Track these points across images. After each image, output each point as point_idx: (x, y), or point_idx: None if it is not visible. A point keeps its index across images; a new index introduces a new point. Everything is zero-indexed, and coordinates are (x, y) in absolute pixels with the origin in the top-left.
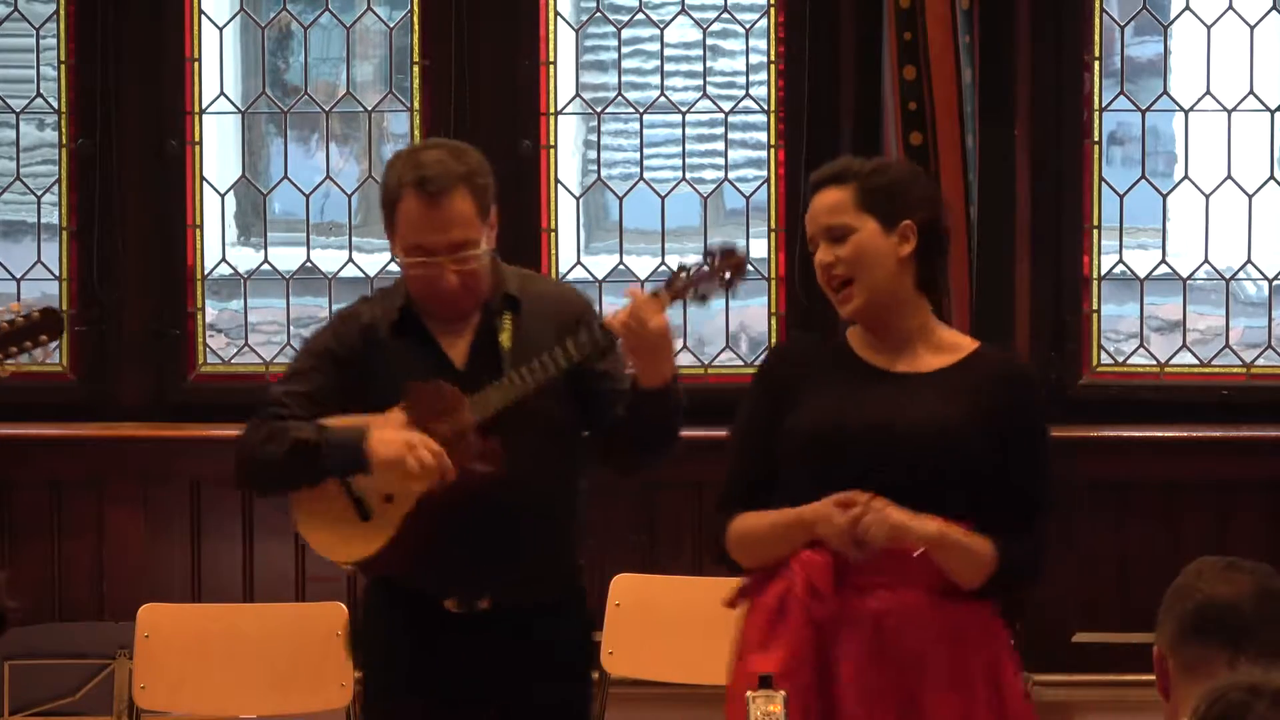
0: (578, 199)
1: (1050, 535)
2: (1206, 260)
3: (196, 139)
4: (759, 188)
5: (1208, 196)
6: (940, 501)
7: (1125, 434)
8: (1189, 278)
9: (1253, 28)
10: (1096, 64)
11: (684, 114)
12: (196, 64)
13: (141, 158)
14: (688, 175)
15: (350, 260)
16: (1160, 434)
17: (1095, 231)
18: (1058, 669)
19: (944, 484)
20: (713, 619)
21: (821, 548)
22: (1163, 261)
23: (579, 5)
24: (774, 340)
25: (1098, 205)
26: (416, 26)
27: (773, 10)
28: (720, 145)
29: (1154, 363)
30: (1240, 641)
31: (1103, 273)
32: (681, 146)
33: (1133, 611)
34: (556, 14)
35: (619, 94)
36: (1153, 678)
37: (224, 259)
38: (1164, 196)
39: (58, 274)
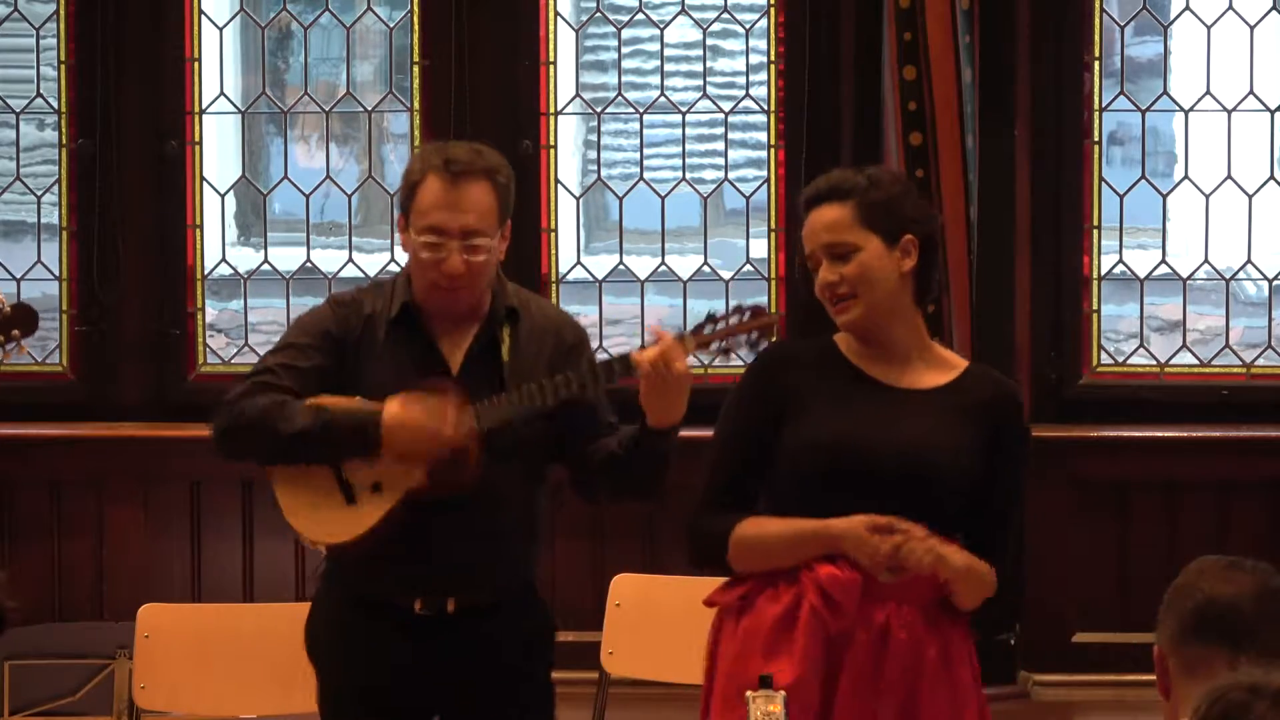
0: (578, 199)
1: (1015, 572)
2: (1206, 260)
3: (196, 139)
4: (759, 188)
5: (1208, 196)
6: (936, 519)
7: (1125, 434)
8: (1189, 278)
9: (1253, 28)
10: (1096, 64)
11: (684, 114)
12: (196, 64)
13: (141, 158)
14: (688, 175)
15: (350, 260)
16: (1160, 434)
17: (1095, 231)
18: (1058, 669)
19: (938, 506)
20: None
21: (844, 562)
22: (1163, 261)
23: (579, 5)
24: (774, 340)
25: (1098, 205)
26: (416, 26)
27: (773, 10)
28: (720, 145)
29: (1154, 363)
30: (1241, 641)
31: (1103, 273)
32: (681, 146)
33: (1133, 611)
34: (556, 14)
35: (619, 94)
36: (1153, 678)
37: (224, 259)
38: (1164, 196)
39: (58, 274)
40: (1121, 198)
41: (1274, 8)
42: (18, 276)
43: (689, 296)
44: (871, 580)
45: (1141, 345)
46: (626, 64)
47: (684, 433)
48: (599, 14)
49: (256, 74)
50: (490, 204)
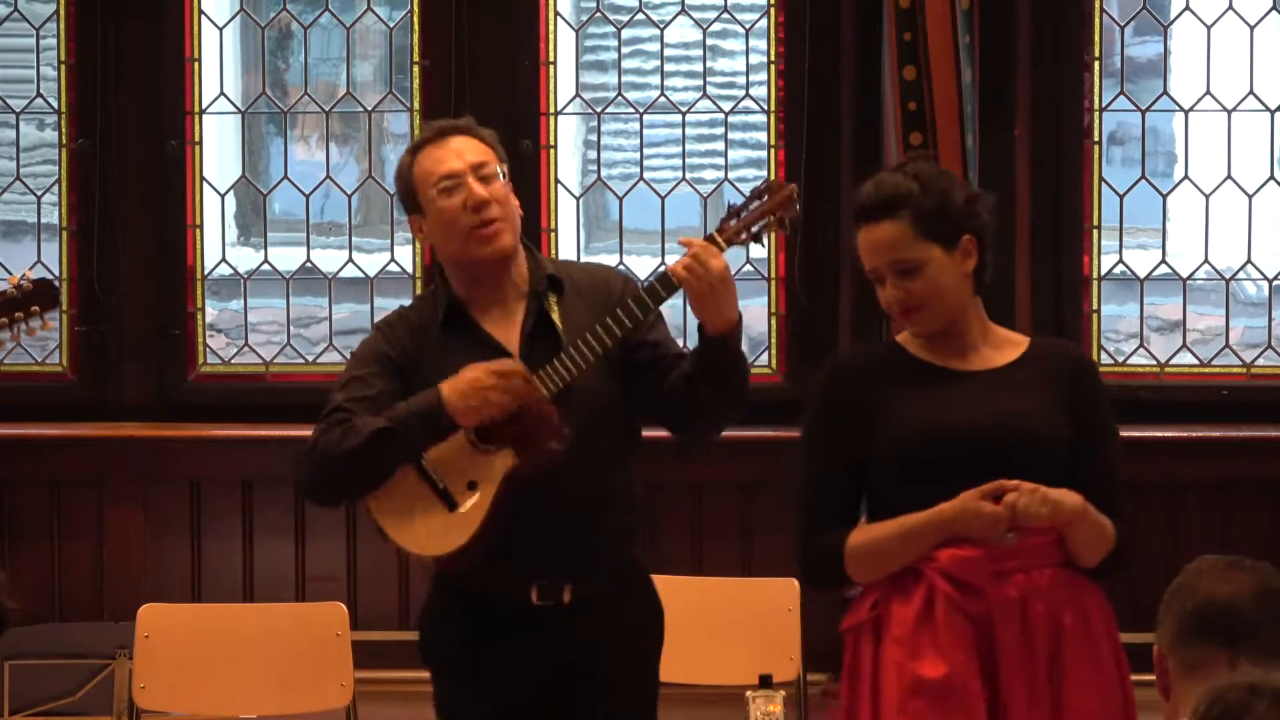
0: (578, 199)
1: (1134, 525)
2: (1206, 260)
3: (196, 139)
4: None
5: (1208, 196)
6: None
7: (1125, 434)
8: (1189, 278)
9: (1253, 28)
10: (1096, 64)
11: (684, 114)
12: (196, 64)
13: (141, 158)
14: (688, 175)
15: (350, 260)
16: (1160, 434)
17: (1095, 231)
18: None
19: (1045, 469)
20: (713, 619)
21: (961, 544)
22: (1163, 261)
23: (579, 5)
24: (774, 340)
25: (1098, 205)
26: (416, 26)
27: (773, 10)
28: (720, 145)
29: (1154, 363)
30: (1240, 641)
31: (1103, 273)
32: (681, 146)
33: (1133, 611)
34: (556, 14)
35: (619, 94)
36: (1153, 678)
37: (224, 259)
38: (1164, 196)
39: (58, 274)
40: (1121, 198)
41: (1274, 8)
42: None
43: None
44: (995, 551)
45: (1141, 345)
46: (626, 64)
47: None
48: (599, 14)
49: (256, 74)
50: (484, 148)
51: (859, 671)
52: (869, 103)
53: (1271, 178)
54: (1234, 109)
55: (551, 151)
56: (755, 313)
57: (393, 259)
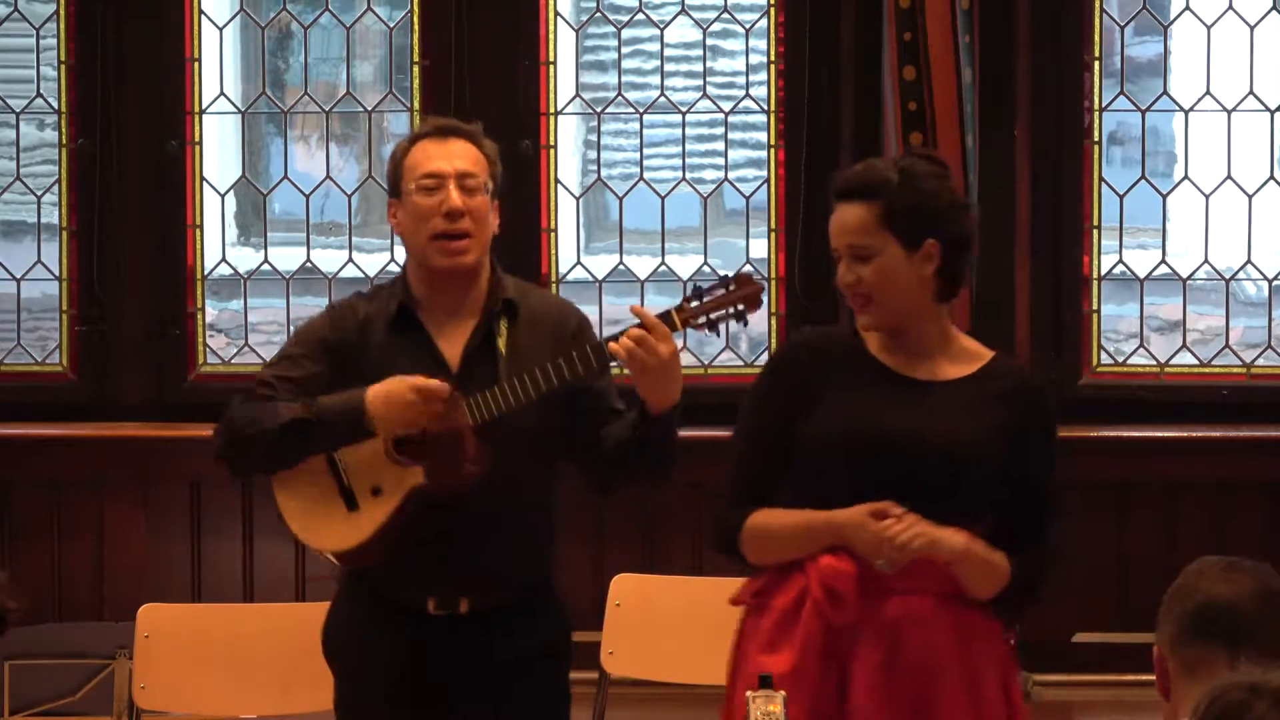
0: (578, 199)
1: (1057, 553)
2: (1206, 260)
3: (196, 139)
4: (759, 188)
5: (1208, 196)
6: (961, 509)
7: (1125, 434)
8: (1189, 278)
9: (1253, 28)
10: (1096, 64)
11: (684, 114)
12: (196, 64)
13: (141, 158)
14: (688, 175)
15: (350, 260)
16: (1160, 434)
17: (1095, 231)
18: (1058, 669)
19: (966, 492)
20: (713, 619)
21: (844, 553)
22: (1163, 261)
23: (579, 5)
24: (774, 340)
25: (1098, 205)
26: (416, 26)
27: (773, 10)
28: (720, 145)
29: (1154, 363)
30: (1240, 641)
31: (1103, 273)
32: (681, 146)
33: (1133, 611)
34: (556, 14)
35: (619, 94)
36: (1153, 678)
37: (224, 259)
38: (1164, 196)
39: (58, 274)
40: (1121, 198)
41: (1274, 8)
42: (18, 276)
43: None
44: (870, 571)
45: (1141, 345)
46: (626, 64)
47: (691, 433)
48: (599, 14)
49: (256, 74)
50: (480, 158)
51: (738, 649)
52: (869, 103)
53: (1271, 178)
54: (1234, 109)
55: (551, 151)
56: (755, 312)
57: (393, 259)
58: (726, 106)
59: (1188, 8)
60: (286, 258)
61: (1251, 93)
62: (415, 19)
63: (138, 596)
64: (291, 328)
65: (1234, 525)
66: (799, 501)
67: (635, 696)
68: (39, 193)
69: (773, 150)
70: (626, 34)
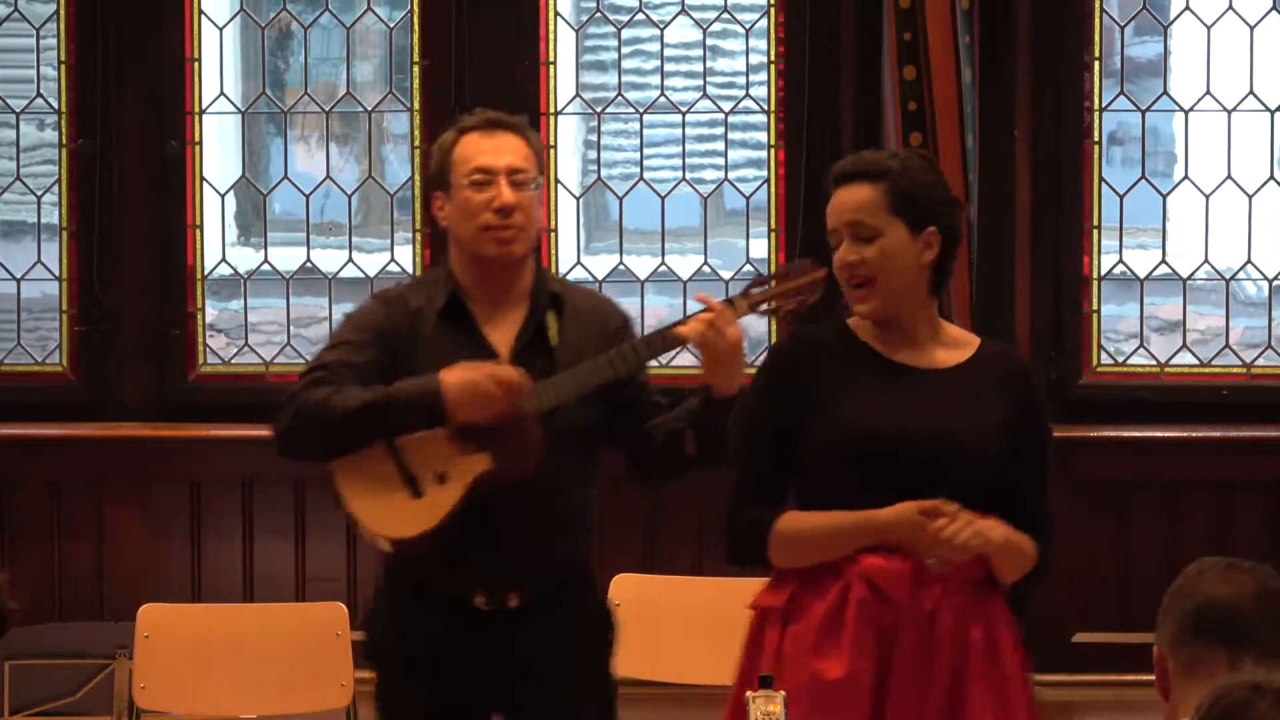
0: (578, 199)
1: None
2: (1206, 260)
3: (196, 139)
4: (759, 188)
5: (1208, 196)
6: (969, 498)
7: (1125, 434)
8: (1189, 278)
9: (1253, 28)
10: (1096, 64)
11: (684, 114)
12: (196, 64)
13: (141, 158)
14: (688, 175)
15: (350, 260)
16: (1160, 434)
17: (1095, 231)
18: (1058, 669)
19: (973, 482)
20: (713, 619)
21: (889, 552)
22: (1163, 261)
23: (579, 5)
24: (774, 339)
25: (1098, 205)
26: (416, 26)
27: (773, 10)
28: (720, 145)
29: (1154, 363)
30: (1240, 642)
31: (1103, 273)
32: (681, 146)
33: (1133, 611)
34: (556, 14)
35: (619, 94)
36: (1153, 678)
37: (224, 259)
38: (1164, 196)
39: (58, 274)
40: (1121, 198)
41: (1274, 8)
42: (18, 276)
43: (689, 297)
44: (919, 568)
45: (1141, 345)
46: (626, 64)
47: None
48: (599, 14)
49: (256, 74)
50: (528, 152)
51: (759, 655)
52: (869, 103)
53: (1271, 178)
54: (1234, 109)
55: (552, 151)
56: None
57: (393, 259)
58: (726, 106)
59: (1188, 8)
60: (286, 258)
61: (1251, 93)
62: (415, 19)
63: (138, 596)
64: (292, 328)
65: (1234, 525)
66: (812, 501)
67: (635, 696)
68: (39, 193)
69: (773, 150)
70: (626, 34)
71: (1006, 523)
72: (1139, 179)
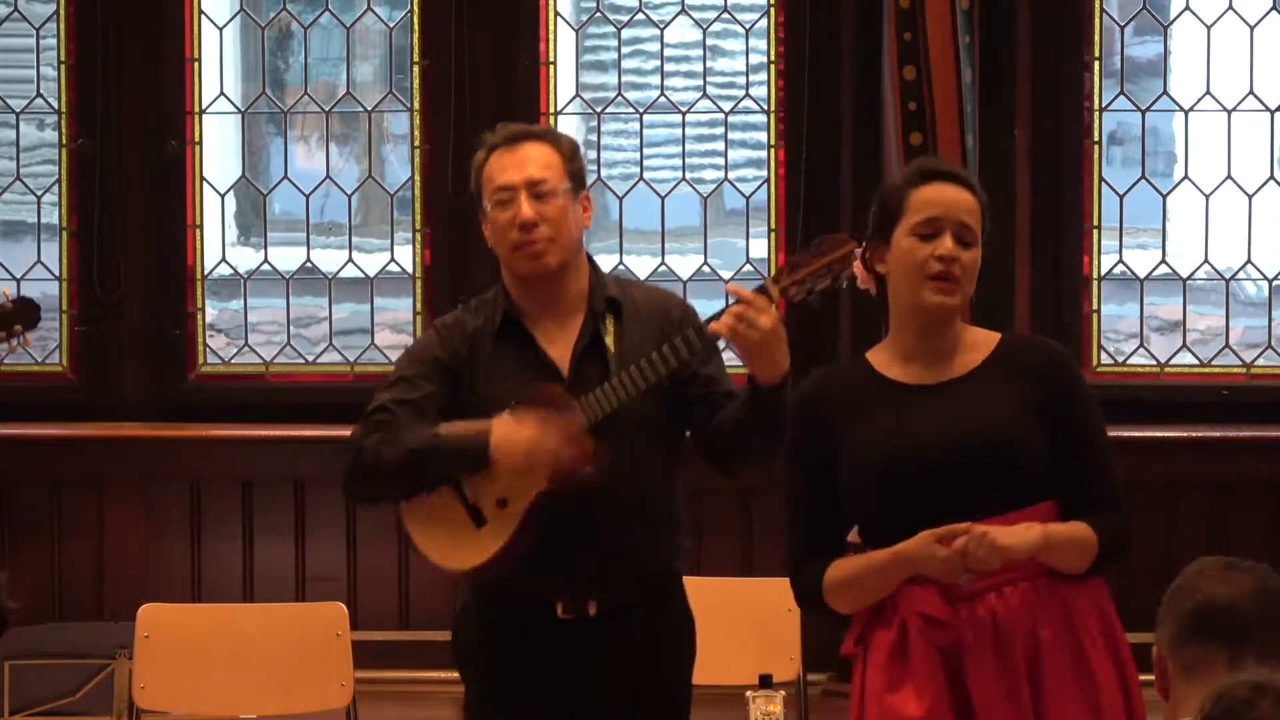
0: None
1: (1127, 495)
2: (1206, 260)
3: (196, 139)
4: (759, 188)
5: (1208, 196)
6: (1015, 494)
7: (1125, 434)
8: (1189, 278)
9: (1253, 28)
10: (1096, 64)
11: (684, 114)
12: (196, 64)
13: (141, 158)
14: (688, 175)
15: (350, 260)
16: (1160, 434)
17: (1095, 231)
18: None
19: (1012, 477)
20: (713, 619)
21: (925, 581)
22: (1163, 261)
23: (579, 5)
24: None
25: (1098, 205)
26: (416, 26)
27: (773, 10)
28: (720, 145)
29: (1154, 363)
30: (1240, 641)
31: (1103, 273)
32: (681, 146)
33: (1133, 611)
34: (556, 14)
35: (619, 94)
36: (1153, 678)
37: (224, 259)
38: (1164, 196)
39: (58, 274)
40: (1121, 198)
41: (1274, 8)
42: (18, 276)
43: (689, 297)
44: (954, 589)
45: (1141, 345)
46: (626, 64)
47: None
48: (599, 14)
49: (256, 74)
50: (552, 159)
51: (853, 696)
52: (869, 103)
53: (1271, 178)
54: (1234, 109)
55: None
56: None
57: (393, 259)
58: (726, 106)
59: (1188, 8)
60: (286, 258)
61: (1251, 93)
62: (415, 19)
63: (138, 596)
64: (292, 328)
65: (1234, 525)
66: (871, 540)
67: None
68: (39, 193)
69: (773, 150)
70: (626, 34)
71: (1064, 511)
72: (1139, 179)
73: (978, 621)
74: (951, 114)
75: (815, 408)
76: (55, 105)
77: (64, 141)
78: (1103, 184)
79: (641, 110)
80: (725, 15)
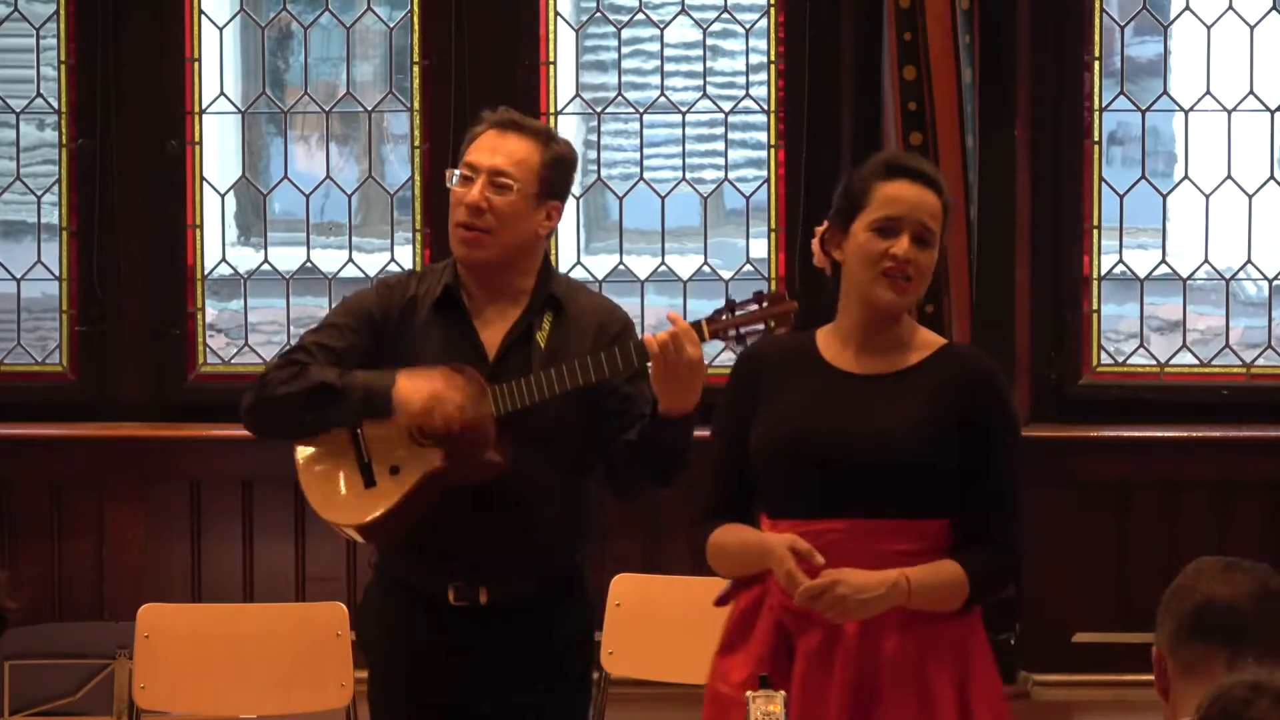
0: (578, 199)
1: (1020, 536)
2: (1206, 260)
3: (196, 139)
4: (759, 188)
5: (1208, 196)
6: (910, 504)
7: (1125, 434)
8: (1189, 278)
9: (1253, 28)
10: (1096, 64)
11: (684, 114)
12: (196, 64)
13: (141, 158)
14: (688, 175)
15: (350, 260)
16: (1160, 434)
17: (1095, 231)
18: (1058, 669)
19: (909, 486)
20: (712, 619)
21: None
22: (1163, 261)
23: (579, 5)
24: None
25: (1098, 205)
26: (416, 26)
27: (773, 10)
28: (720, 145)
29: (1154, 363)
30: (1239, 641)
31: (1103, 273)
32: (681, 146)
33: (1133, 611)
34: (556, 14)
35: (619, 94)
36: (1152, 678)
37: (224, 259)
38: (1164, 196)
39: (58, 274)
40: (1121, 198)
41: (1274, 8)
42: (18, 276)
43: (689, 296)
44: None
45: (1141, 345)
46: (626, 64)
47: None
48: (599, 14)
49: (256, 74)
50: (529, 158)
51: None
52: (869, 103)
53: (1271, 178)
54: (1234, 109)
55: None
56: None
57: (393, 259)
58: (726, 106)
59: (1188, 8)
60: (286, 258)
61: (1251, 93)
62: (415, 19)
63: (138, 596)
64: (292, 328)
65: (1234, 525)
66: (768, 511)
67: (635, 696)
68: (39, 193)
69: (773, 150)
70: (626, 34)
71: (954, 539)
72: (1139, 179)
73: (820, 619)
74: (951, 114)
75: (750, 368)
76: (55, 105)
77: (64, 141)
78: (1103, 184)
79: (641, 110)
80: (725, 15)
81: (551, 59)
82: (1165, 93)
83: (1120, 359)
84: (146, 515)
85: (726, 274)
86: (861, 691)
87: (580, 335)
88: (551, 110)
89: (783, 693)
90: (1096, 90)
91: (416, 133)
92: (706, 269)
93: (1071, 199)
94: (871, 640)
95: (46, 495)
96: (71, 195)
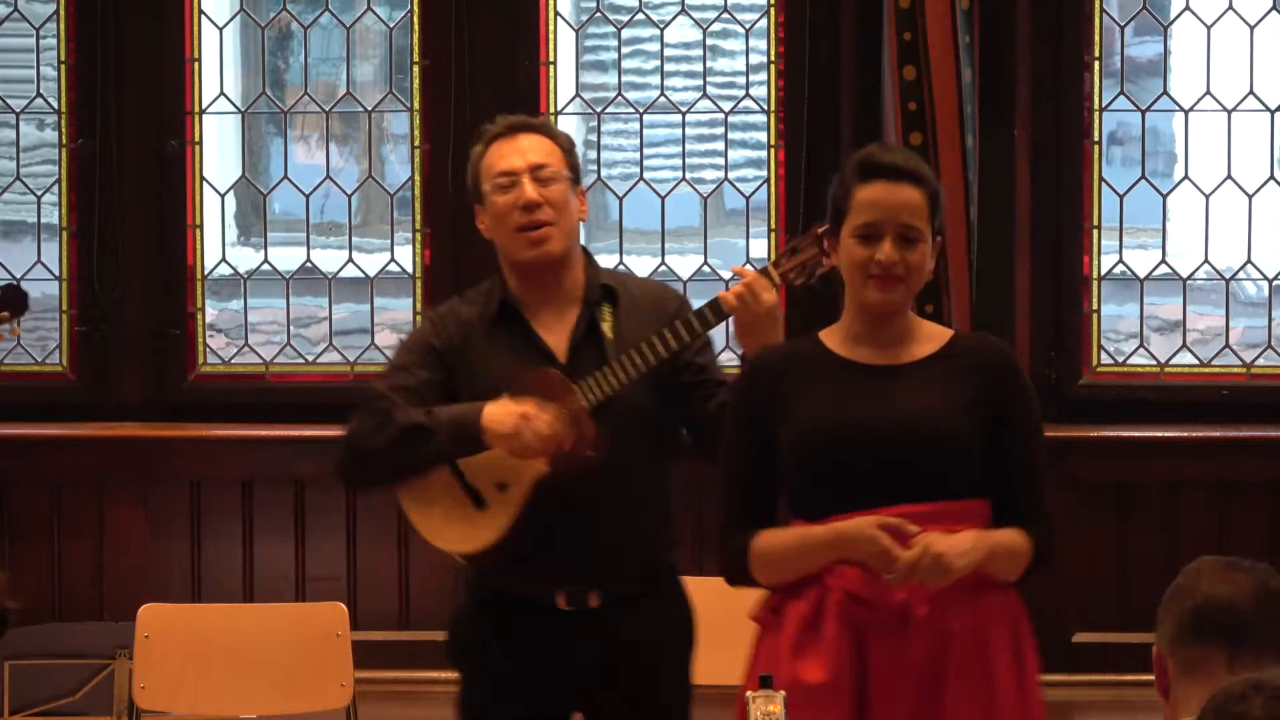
0: None
1: (1053, 522)
2: (1206, 260)
3: (196, 139)
4: (759, 188)
5: (1208, 196)
6: (946, 488)
7: (1125, 434)
8: (1189, 278)
9: (1253, 28)
10: (1096, 64)
11: (684, 114)
12: (196, 64)
13: (141, 158)
14: (688, 175)
15: (350, 260)
16: (1160, 434)
17: (1095, 231)
18: (1058, 669)
19: (943, 470)
20: (713, 619)
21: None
22: (1163, 261)
23: (579, 5)
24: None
25: (1098, 205)
26: (416, 26)
27: (773, 10)
28: (720, 145)
29: (1154, 363)
30: (1239, 641)
31: (1103, 273)
32: (681, 146)
33: (1133, 611)
34: (556, 14)
35: (619, 94)
36: (1152, 678)
37: (224, 259)
38: (1164, 196)
39: (58, 274)
40: (1121, 198)
41: (1274, 8)
42: (18, 277)
43: (689, 297)
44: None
45: (1141, 345)
46: (626, 64)
47: None
48: (599, 14)
49: (256, 74)
50: (554, 149)
51: (752, 661)
52: (869, 103)
53: (1271, 178)
54: (1234, 109)
55: None
56: None
57: (393, 259)
58: (726, 106)
59: (1188, 8)
60: (286, 258)
61: (1251, 93)
62: (415, 19)
63: (138, 596)
64: (292, 328)
65: (1234, 525)
66: (796, 511)
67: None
68: (39, 193)
69: (773, 150)
70: (626, 34)
71: (993, 519)
72: (1139, 179)
73: (889, 605)
74: (951, 114)
75: (765, 375)
76: (55, 105)
77: (64, 141)
78: (1103, 184)
79: (641, 110)
80: (725, 15)
81: (551, 59)
82: (1165, 93)
83: (1120, 359)
84: (147, 515)
85: (726, 274)
86: (929, 671)
87: (642, 318)
88: (551, 110)
89: (783, 693)
90: (1096, 90)
91: (416, 133)
92: (706, 269)
93: (1071, 199)
94: (938, 621)
95: (47, 495)
96: (71, 195)
